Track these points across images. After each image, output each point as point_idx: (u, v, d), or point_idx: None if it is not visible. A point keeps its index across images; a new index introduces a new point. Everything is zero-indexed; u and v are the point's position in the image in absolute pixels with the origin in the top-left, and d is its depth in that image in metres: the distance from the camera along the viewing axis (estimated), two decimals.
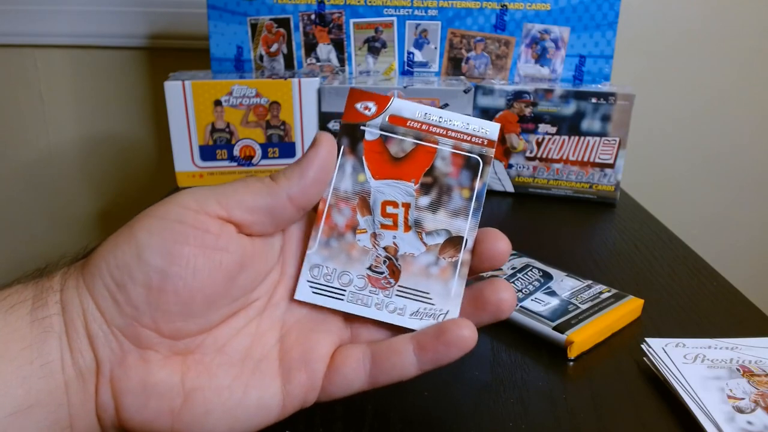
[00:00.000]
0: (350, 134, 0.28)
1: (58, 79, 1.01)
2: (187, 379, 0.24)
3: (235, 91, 0.66)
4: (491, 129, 0.28)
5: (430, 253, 0.28)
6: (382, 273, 0.28)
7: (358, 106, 0.28)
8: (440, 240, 0.28)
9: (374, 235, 0.28)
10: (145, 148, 1.05)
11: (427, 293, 0.27)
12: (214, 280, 0.24)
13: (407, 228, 0.28)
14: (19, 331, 0.23)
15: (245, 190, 0.25)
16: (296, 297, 0.27)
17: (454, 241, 0.28)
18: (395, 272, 0.28)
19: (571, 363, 0.37)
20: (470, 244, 0.27)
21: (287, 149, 0.69)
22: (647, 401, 0.33)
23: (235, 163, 0.68)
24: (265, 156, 0.69)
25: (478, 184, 0.28)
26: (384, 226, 0.28)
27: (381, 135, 0.28)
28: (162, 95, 0.65)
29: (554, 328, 0.38)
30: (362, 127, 0.28)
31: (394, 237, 0.28)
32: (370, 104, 0.28)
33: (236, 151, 0.68)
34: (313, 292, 0.27)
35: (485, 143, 0.28)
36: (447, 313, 0.27)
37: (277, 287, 0.28)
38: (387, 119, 0.28)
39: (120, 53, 1.00)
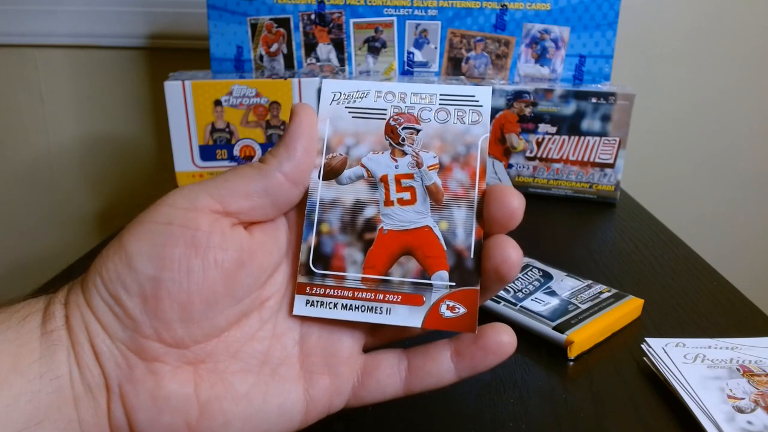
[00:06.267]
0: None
1: (58, 79, 1.01)
2: (201, 389, 0.23)
3: (235, 91, 0.66)
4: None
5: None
6: None
7: None
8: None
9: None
10: (145, 148, 1.05)
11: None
12: (211, 280, 0.23)
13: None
14: (30, 344, 0.22)
15: (236, 177, 0.24)
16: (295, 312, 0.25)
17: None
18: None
19: (571, 363, 0.37)
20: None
21: None
22: (647, 401, 0.33)
23: (235, 163, 0.68)
24: None
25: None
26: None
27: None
28: (162, 95, 0.65)
29: (554, 328, 0.38)
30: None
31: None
32: None
33: (236, 151, 0.68)
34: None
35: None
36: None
37: (289, 284, 0.26)
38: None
39: (120, 53, 1.00)
